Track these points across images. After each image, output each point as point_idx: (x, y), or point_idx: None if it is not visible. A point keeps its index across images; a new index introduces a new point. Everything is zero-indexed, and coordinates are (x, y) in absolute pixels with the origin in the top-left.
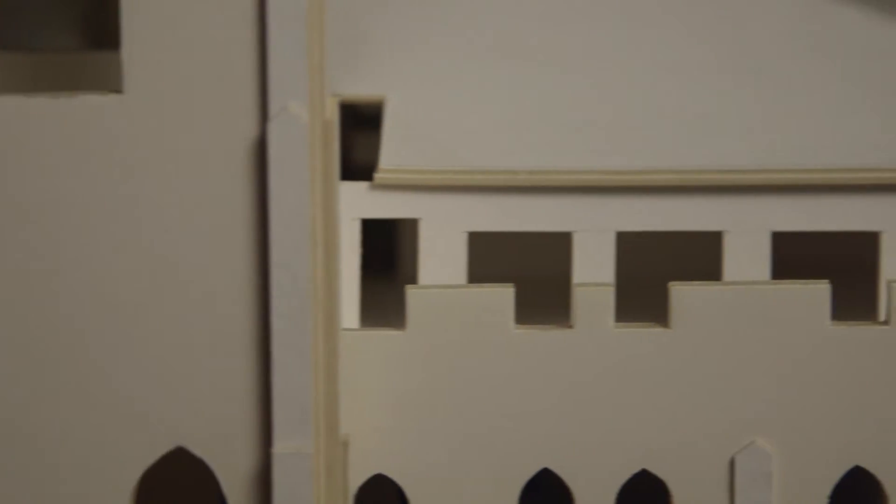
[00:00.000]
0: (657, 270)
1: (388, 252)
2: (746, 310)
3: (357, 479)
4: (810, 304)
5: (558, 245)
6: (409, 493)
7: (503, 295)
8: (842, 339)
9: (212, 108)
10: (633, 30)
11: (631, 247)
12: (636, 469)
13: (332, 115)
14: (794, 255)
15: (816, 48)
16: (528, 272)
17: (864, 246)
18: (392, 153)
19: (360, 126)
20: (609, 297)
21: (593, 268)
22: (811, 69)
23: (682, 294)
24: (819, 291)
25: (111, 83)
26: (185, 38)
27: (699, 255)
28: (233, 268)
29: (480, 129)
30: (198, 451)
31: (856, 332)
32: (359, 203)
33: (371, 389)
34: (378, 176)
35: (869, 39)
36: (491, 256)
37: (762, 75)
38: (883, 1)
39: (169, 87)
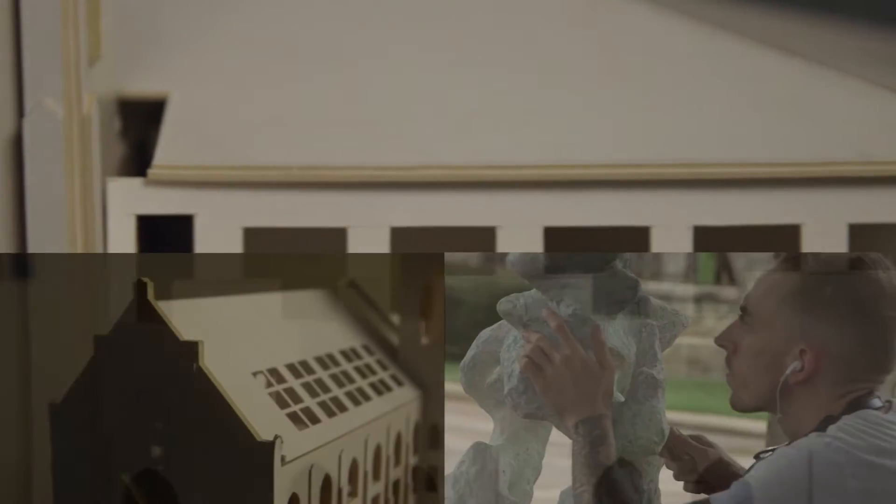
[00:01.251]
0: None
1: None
2: None
3: None
4: None
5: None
6: None
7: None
8: None
9: None
10: (416, 27)
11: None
12: None
13: (90, 111)
14: None
15: (599, 45)
16: None
17: None
18: (169, 149)
19: None
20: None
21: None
22: (594, 66)
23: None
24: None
25: None
26: None
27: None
28: None
29: (257, 126)
30: None
31: None
32: (133, 199)
33: None
34: (152, 172)
35: (653, 38)
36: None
37: (544, 71)
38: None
39: None
